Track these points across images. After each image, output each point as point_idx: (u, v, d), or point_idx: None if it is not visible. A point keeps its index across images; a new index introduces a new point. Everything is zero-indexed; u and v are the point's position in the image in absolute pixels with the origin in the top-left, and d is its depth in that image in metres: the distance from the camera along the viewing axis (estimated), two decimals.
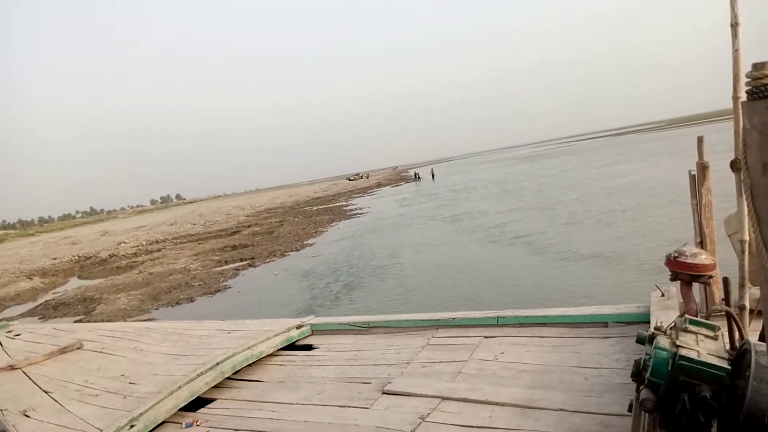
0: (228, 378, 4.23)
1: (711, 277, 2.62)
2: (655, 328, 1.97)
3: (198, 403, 3.91)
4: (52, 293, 18.86)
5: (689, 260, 2.50)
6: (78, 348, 5.61)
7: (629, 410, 2.07)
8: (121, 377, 4.52)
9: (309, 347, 4.79)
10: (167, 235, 35.74)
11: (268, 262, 17.18)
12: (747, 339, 1.86)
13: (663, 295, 3.64)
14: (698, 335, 1.88)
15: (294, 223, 30.07)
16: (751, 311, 2.79)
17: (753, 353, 1.66)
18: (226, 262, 18.22)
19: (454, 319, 4.43)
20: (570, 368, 3.22)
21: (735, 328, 2.12)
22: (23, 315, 15.19)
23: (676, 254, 2.54)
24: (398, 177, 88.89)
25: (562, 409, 2.73)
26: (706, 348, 1.79)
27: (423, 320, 4.63)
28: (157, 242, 31.19)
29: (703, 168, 3.22)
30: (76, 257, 29.35)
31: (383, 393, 3.41)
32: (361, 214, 30.48)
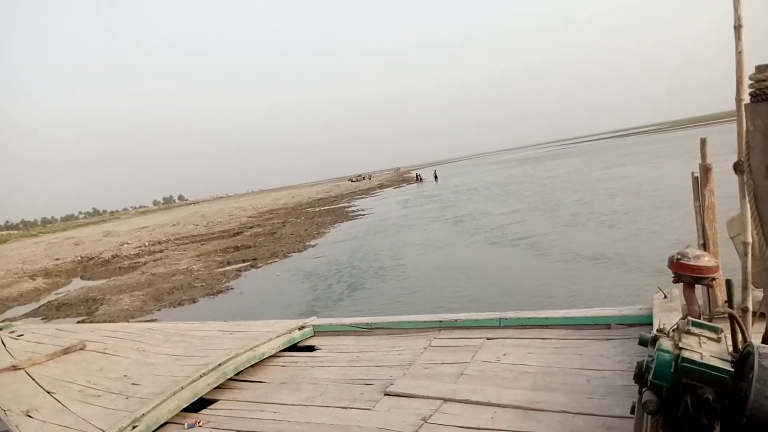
0: (230, 379, 4.24)
1: (714, 279, 2.61)
2: (657, 330, 1.97)
3: (200, 404, 3.92)
4: (55, 294, 18.90)
5: (692, 262, 2.49)
6: (81, 348, 5.63)
7: (632, 412, 2.07)
8: (124, 378, 4.53)
9: (311, 348, 4.79)
10: (170, 235, 35.79)
11: (271, 263, 17.20)
12: (750, 341, 1.85)
13: (666, 297, 3.64)
14: (701, 337, 1.88)
15: (296, 224, 30.09)
16: (754, 313, 2.78)
17: (756, 355, 1.66)
18: (229, 263, 18.24)
19: (456, 320, 4.44)
20: (572, 370, 3.22)
21: (738, 331, 2.11)
22: (26, 315, 15.22)
23: (679, 256, 2.54)
24: (400, 178, 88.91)
25: (564, 411, 2.73)
26: (708, 350, 1.79)
27: (425, 321, 4.63)
28: (159, 243, 31.25)
29: (706, 170, 3.21)
30: (79, 258, 29.41)
31: (385, 394, 3.42)
32: (363, 215, 30.49)
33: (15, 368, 5.15)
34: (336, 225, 26.56)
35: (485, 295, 9.01)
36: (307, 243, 20.72)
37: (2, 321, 9.37)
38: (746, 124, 2.48)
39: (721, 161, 3.30)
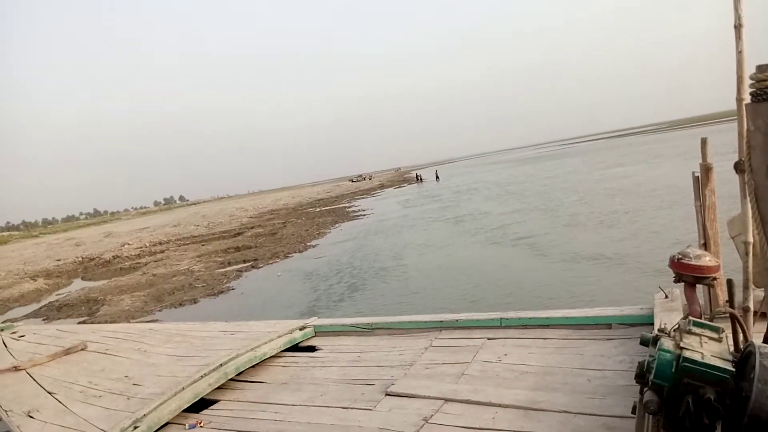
0: (231, 379, 4.24)
1: (715, 279, 2.61)
2: (658, 330, 1.97)
3: (201, 405, 3.92)
4: (56, 294, 18.91)
5: (693, 262, 2.49)
6: (82, 349, 5.63)
7: (633, 412, 2.07)
8: (125, 378, 4.53)
9: (312, 348, 4.80)
10: (170, 236, 35.81)
11: (271, 263, 17.20)
12: (751, 341, 1.85)
13: (666, 296, 3.64)
14: (702, 337, 1.88)
15: (297, 224, 30.10)
16: (755, 313, 2.79)
17: (757, 355, 1.66)
18: (230, 264, 18.25)
19: (457, 320, 4.44)
20: (573, 370, 3.22)
21: (739, 330, 2.11)
22: (27, 316, 15.23)
23: (680, 256, 2.54)
24: (401, 178, 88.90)
25: (565, 411, 2.73)
26: (710, 350, 1.79)
27: (426, 322, 4.63)
28: (160, 243, 31.26)
29: (706, 169, 3.22)
30: (80, 259, 29.42)
31: (386, 394, 3.42)
32: (364, 215, 30.49)
33: (16, 369, 5.15)
34: (337, 225, 26.57)
35: (486, 295, 9.01)
36: (308, 243, 20.72)
37: (3, 322, 9.37)
38: (747, 123, 2.48)
39: (721, 161, 3.30)
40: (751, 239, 2.60)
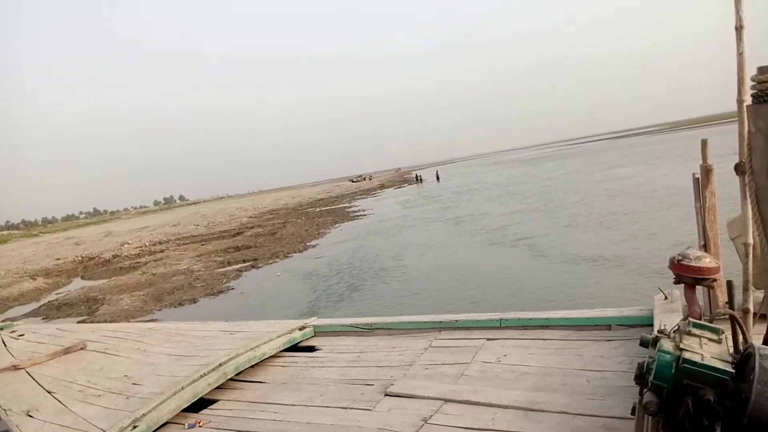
0: (231, 379, 4.24)
1: (715, 280, 2.61)
2: (658, 331, 1.97)
3: (201, 404, 3.92)
4: (56, 293, 18.92)
5: (693, 263, 2.49)
6: (81, 348, 5.63)
7: (632, 413, 2.07)
8: (124, 378, 4.53)
9: (312, 348, 4.80)
10: (170, 236, 35.82)
11: (271, 263, 17.20)
12: (751, 342, 1.85)
13: (666, 298, 3.64)
14: (702, 338, 1.88)
15: (297, 224, 30.10)
16: (755, 314, 2.78)
17: (757, 357, 1.66)
18: (229, 264, 18.25)
19: (456, 321, 4.44)
20: (573, 371, 3.22)
21: (739, 332, 2.11)
22: (27, 315, 15.23)
23: (680, 257, 2.54)
24: (401, 179, 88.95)
25: (564, 412, 2.73)
26: (709, 351, 1.79)
27: (425, 322, 4.63)
28: (160, 243, 31.27)
29: (707, 171, 3.22)
30: (80, 258, 29.43)
31: (386, 395, 3.42)
32: (364, 215, 30.50)
33: (16, 368, 5.15)
34: (336, 225, 26.57)
35: (486, 296, 9.01)
36: (308, 243, 20.73)
37: (3, 321, 9.37)
38: (748, 125, 2.48)
39: (721, 162, 3.30)
40: (751, 241, 2.60)
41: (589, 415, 2.65)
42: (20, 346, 6.06)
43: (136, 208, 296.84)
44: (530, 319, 4.12)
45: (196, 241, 29.00)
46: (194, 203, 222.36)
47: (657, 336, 1.93)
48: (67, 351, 5.54)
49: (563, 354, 3.49)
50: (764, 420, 1.55)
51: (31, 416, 3.96)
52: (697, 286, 2.61)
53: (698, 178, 3.29)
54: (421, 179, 68.54)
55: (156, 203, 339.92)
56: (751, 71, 2.44)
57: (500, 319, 4.22)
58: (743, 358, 1.75)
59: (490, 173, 59.95)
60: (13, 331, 6.74)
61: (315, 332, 5.12)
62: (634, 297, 7.26)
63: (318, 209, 42.00)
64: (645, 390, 1.83)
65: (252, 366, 4.44)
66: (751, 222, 2.58)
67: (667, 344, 1.82)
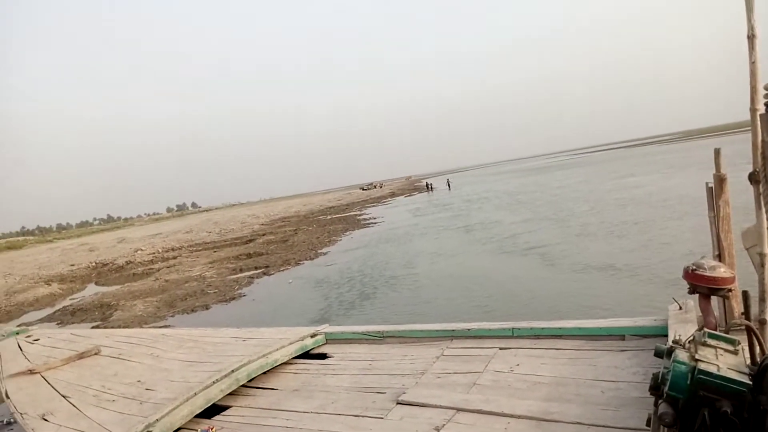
0: (243, 385, 4.26)
1: (730, 290, 2.59)
2: (673, 342, 1.96)
3: (213, 410, 3.94)
4: (70, 299, 19.08)
5: (708, 273, 2.47)
6: (95, 354, 5.68)
7: (647, 424, 2.06)
8: (138, 383, 4.56)
9: (323, 356, 4.81)
10: (183, 242, 36.04)
11: (283, 270, 17.25)
12: None
13: (681, 308, 3.61)
14: (718, 349, 1.87)
15: (308, 231, 30.18)
16: None
17: None
18: (241, 270, 18.33)
19: (468, 330, 4.43)
20: (586, 381, 3.20)
21: (755, 343, 2.10)
22: (42, 320, 15.36)
23: (694, 267, 2.52)
24: (412, 187, 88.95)
25: (578, 423, 2.72)
26: (726, 362, 1.78)
27: (437, 330, 4.63)
28: (173, 250, 31.47)
29: (720, 180, 3.20)
30: (94, 264, 29.69)
31: (397, 403, 3.42)
32: (374, 223, 30.52)
33: (31, 372, 5.20)
34: (347, 233, 26.61)
35: (498, 305, 8.97)
36: (319, 251, 20.76)
37: (19, 326, 9.46)
38: (762, 134, 2.47)
39: (735, 171, 3.28)
40: (766, 250, 2.59)
41: (603, 426, 2.64)
42: (35, 350, 6.12)
43: (149, 215, 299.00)
44: (543, 328, 4.11)
45: (209, 247, 29.16)
46: (206, 210, 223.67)
47: (672, 346, 1.92)
48: (81, 356, 5.59)
49: (577, 364, 3.47)
50: None
51: (46, 420, 4.00)
52: (712, 297, 2.59)
53: (712, 187, 3.27)
54: (431, 187, 68.45)
55: (169, 210, 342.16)
56: (764, 80, 2.44)
57: (513, 329, 4.21)
58: (761, 370, 1.74)
59: (501, 182, 59.80)
60: (29, 336, 6.81)
61: (326, 340, 5.13)
62: (648, 307, 7.19)
63: (329, 217, 42.10)
64: (660, 401, 1.82)
65: (264, 373, 4.45)
66: (766, 232, 2.56)
67: (682, 355, 1.82)
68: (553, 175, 54.46)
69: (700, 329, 2.09)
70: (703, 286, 2.52)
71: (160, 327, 10.90)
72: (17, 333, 6.94)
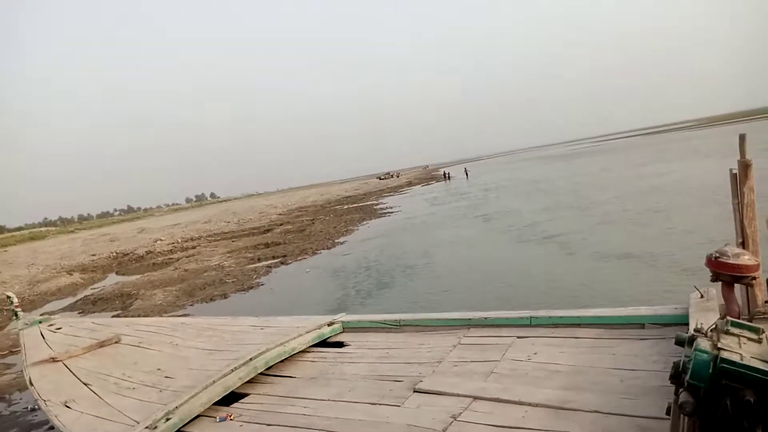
0: (261, 373, 4.30)
1: (754, 278, 2.54)
2: (695, 330, 1.92)
3: (232, 398, 3.98)
4: (91, 288, 19.39)
5: (731, 261, 2.43)
6: (116, 342, 5.76)
7: (667, 413, 2.03)
8: (158, 371, 4.62)
9: (340, 344, 4.82)
10: (202, 232, 36.40)
11: (300, 259, 17.34)
12: None
13: (702, 296, 3.54)
14: (741, 338, 1.83)
15: (325, 221, 30.28)
16: None
17: None
18: (259, 260, 18.45)
19: (486, 318, 4.41)
20: (605, 370, 3.17)
21: None
22: (64, 309, 15.65)
23: (718, 254, 2.47)
24: (429, 176, 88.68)
25: (597, 411, 2.69)
26: (749, 351, 1.74)
27: (454, 319, 4.61)
28: (192, 240, 31.79)
29: (745, 166, 3.13)
30: (114, 254, 30.13)
31: (414, 391, 3.41)
32: (391, 212, 30.51)
33: (54, 360, 5.30)
34: (364, 222, 26.64)
35: (516, 294, 8.92)
36: (336, 240, 20.82)
37: (41, 314, 9.65)
38: None
39: (760, 158, 3.20)
40: None
41: (623, 415, 2.61)
42: (58, 339, 6.23)
43: (168, 206, 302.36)
44: (561, 317, 4.07)
45: (227, 237, 29.41)
46: (225, 201, 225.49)
47: (693, 335, 1.88)
48: (102, 344, 5.68)
49: (595, 353, 3.44)
50: None
51: (68, 407, 4.07)
52: (735, 284, 2.54)
53: (736, 174, 3.20)
54: (449, 176, 68.16)
55: (188, 200, 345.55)
56: None
57: (530, 317, 4.18)
58: None
59: (520, 170, 59.34)
60: (51, 325, 6.93)
61: (343, 328, 5.15)
62: (668, 295, 7.10)
63: (346, 206, 42.18)
64: (681, 390, 1.79)
65: (282, 361, 4.48)
66: None
67: (704, 343, 1.78)
68: (573, 163, 53.92)
69: (722, 317, 2.05)
70: (726, 274, 2.47)
71: (180, 316, 11.04)
72: (40, 322, 7.07)
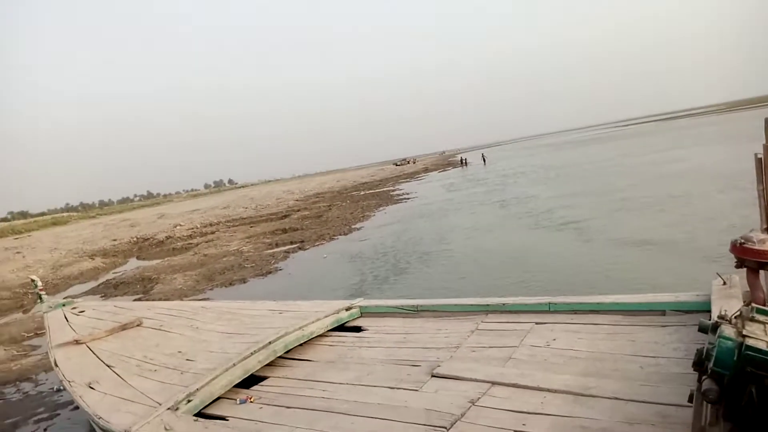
0: (280, 357, 4.34)
1: None
2: (718, 317, 1.90)
3: (251, 381, 4.03)
4: (113, 273, 19.68)
5: (757, 246, 2.38)
6: (138, 325, 5.86)
7: (689, 401, 2.01)
8: (179, 354, 4.70)
9: (358, 329, 4.86)
10: (220, 218, 36.68)
11: (317, 245, 17.42)
12: None
13: (725, 283, 3.50)
14: (767, 325, 1.80)
15: (342, 207, 30.33)
16: None
17: None
18: (277, 245, 18.57)
19: (504, 304, 4.40)
20: (625, 356, 3.15)
21: None
22: (86, 293, 15.92)
23: (743, 240, 2.43)
24: (445, 162, 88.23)
25: (616, 398, 2.68)
26: None
27: (472, 305, 4.61)
28: (210, 225, 32.06)
29: None
30: (135, 239, 30.49)
31: (432, 376, 3.43)
32: (408, 199, 30.45)
33: (77, 342, 5.41)
34: (381, 208, 26.63)
35: (534, 280, 8.87)
36: (353, 226, 20.86)
37: (65, 298, 9.83)
38: None
39: None
40: None
41: (643, 402, 2.59)
42: (81, 322, 6.36)
43: (187, 191, 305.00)
44: (580, 303, 4.05)
45: (245, 223, 29.61)
46: (243, 186, 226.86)
47: (718, 322, 1.86)
48: (124, 327, 5.79)
49: (615, 339, 3.42)
50: None
51: (92, 388, 4.16)
52: (760, 271, 2.50)
53: (761, 159, 3.13)
54: (466, 162, 67.74)
55: (206, 186, 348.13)
56: None
57: (549, 303, 4.17)
58: None
59: (537, 156, 58.77)
60: (74, 308, 7.07)
61: (361, 313, 5.17)
62: (689, 282, 7.01)
63: (362, 192, 42.19)
64: (704, 377, 1.77)
65: (300, 345, 4.53)
66: None
67: (728, 330, 1.76)
68: (591, 149, 53.26)
69: (747, 304, 2.02)
70: (751, 260, 2.43)
71: (200, 300, 11.17)
72: (64, 305, 7.21)
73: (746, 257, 2.42)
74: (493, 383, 3.13)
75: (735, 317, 1.87)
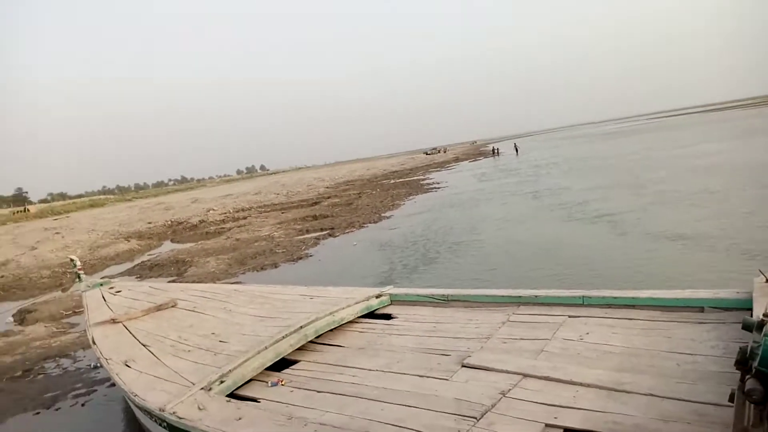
0: (310, 341, 4.39)
1: None
2: (764, 315, 1.84)
3: (282, 364, 4.09)
4: (148, 255, 20.12)
5: None
6: (172, 306, 5.99)
7: (730, 400, 1.95)
8: (212, 335, 4.78)
9: (388, 316, 4.87)
10: (252, 203, 37.12)
11: (347, 232, 17.50)
12: None
13: (767, 280, 3.40)
14: None
15: (372, 195, 30.38)
16: None
17: None
18: (308, 231, 18.72)
19: (536, 296, 4.35)
20: (661, 353, 3.08)
21: None
22: (122, 274, 16.32)
23: None
24: (477, 152, 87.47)
25: (651, 395, 2.63)
26: None
27: (503, 296, 4.57)
28: (243, 210, 32.47)
29: None
30: (169, 222, 31.10)
31: (462, 366, 3.42)
32: (438, 188, 30.32)
33: (114, 321, 5.56)
34: (411, 197, 26.58)
35: (567, 273, 8.75)
36: (383, 214, 20.88)
37: (102, 278, 10.10)
38: None
39: None
40: None
41: (679, 399, 2.54)
42: (117, 301, 6.53)
43: (220, 177, 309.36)
44: (615, 297, 3.98)
45: (277, 209, 29.91)
46: (274, 173, 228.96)
47: (764, 319, 1.80)
48: (159, 308, 5.92)
49: (651, 335, 3.35)
50: None
51: (128, 366, 4.27)
52: None
53: None
54: (498, 152, 67.05)
55: (239, 172, 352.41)
56: None
57: (583, 297, 4.10)
58: None
59: (571, 147, 57.78)
60: (111, 288, 7.26)
61: (391, 301, 5.18)
62: (727, 278, 6.83)
63: (392, 181, 42.16)
64: (747, 376, 1.72)
65: (331, 330, 4.56)
66: None
67: None
68: (626, 140, 52.12)
69: None
70: None
71: (232, 283, 11.34)
72: (101, 284, 7.41)
73: None
74: (525, 375, 3.10)
75: None
